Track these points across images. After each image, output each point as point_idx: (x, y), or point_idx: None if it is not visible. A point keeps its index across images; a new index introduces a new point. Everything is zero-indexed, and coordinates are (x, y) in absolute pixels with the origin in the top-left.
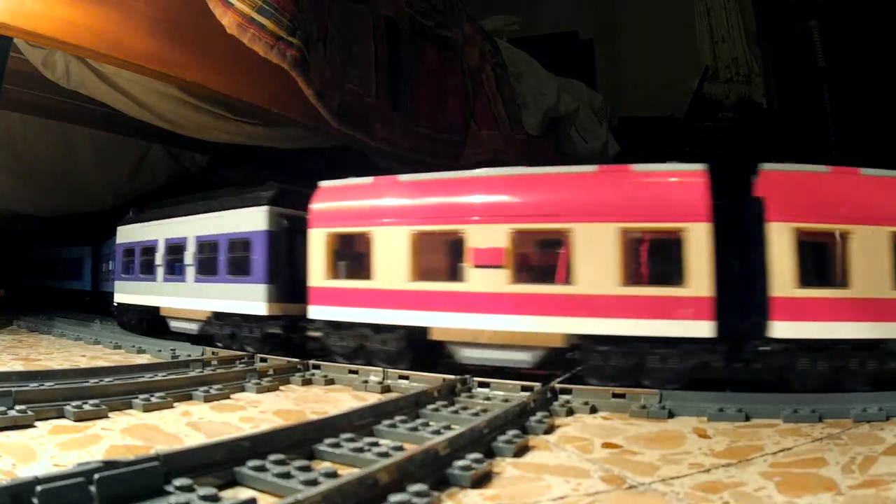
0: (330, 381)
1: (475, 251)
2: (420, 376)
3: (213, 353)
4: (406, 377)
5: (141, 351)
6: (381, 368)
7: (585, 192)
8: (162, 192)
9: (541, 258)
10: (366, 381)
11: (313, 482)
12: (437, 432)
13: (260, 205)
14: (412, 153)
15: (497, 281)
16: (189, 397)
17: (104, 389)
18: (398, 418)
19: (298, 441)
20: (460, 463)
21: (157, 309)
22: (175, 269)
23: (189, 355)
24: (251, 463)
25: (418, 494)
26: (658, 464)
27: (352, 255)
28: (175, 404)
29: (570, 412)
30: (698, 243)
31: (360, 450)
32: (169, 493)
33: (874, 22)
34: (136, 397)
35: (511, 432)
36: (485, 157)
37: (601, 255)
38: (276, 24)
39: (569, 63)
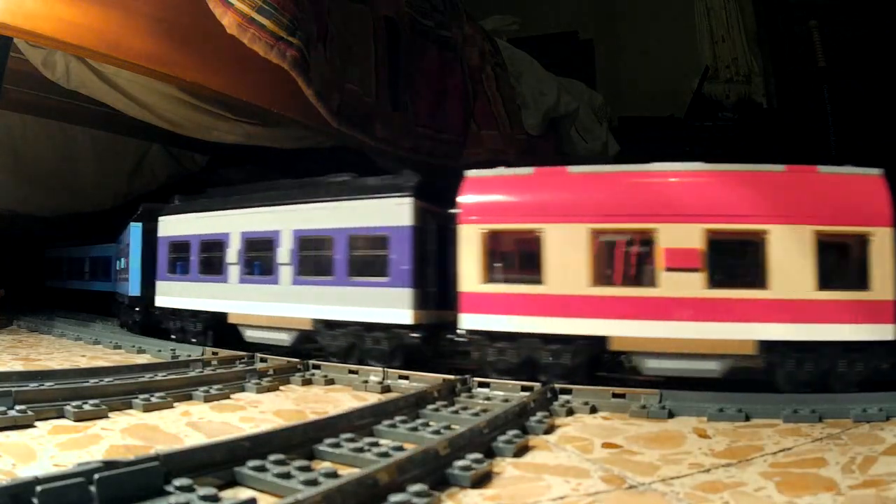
0: (330, 381)
1: (667, 252)
2: (420, 376)
3: (213, 353)
4: (406, 377)
5: (141, 351)
6: (380, 368)
7: (780, 193)
8: (163, 192)
9: (732, 260)
10: (366, 381)
11: (313, 482)
12: (437, 432)
13: (403, 195)
14: (412, 153)
15: (691, 285)
16: (189, 397)
17: (104, 389)
18: (398, 418)
19: (298, 441)
20: (460, 463)
21: (223, 315)
22: (256, 268)
23: (189, 355)
24: (251, 463)
25: (418, 494)
26: (658, 464)
27: (507, 255)
28: (175, 404)
29: (570, 412)
30: (882, 248)
31: (360, 450)
32: (169, 493)
33: (874, 22)
34: (136, 397)
35: (511, 432)
36: (485, 157)
37: (796, 258)
38: (276, 24)
39: (569, 63)
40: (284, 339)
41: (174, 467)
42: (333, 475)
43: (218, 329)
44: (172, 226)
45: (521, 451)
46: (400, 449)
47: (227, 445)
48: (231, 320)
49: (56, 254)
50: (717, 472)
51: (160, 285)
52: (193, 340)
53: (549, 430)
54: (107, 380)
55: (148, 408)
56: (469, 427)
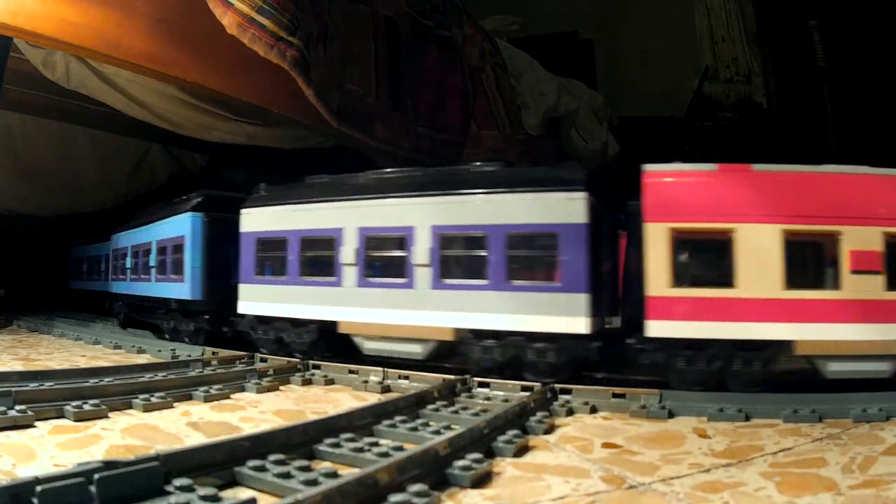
0: (330, 381)
1: (852, 254)
2: (420, 376)
3: (213, 353)
4: (406, 377)
5: (141, 351)
6: (381, 368)
7: None
8: (162, 192)
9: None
10: (366, 381)
11: (313, 482)
12: (437, 432)
13: (575, 190)
14: (412, 153)
15: (872, 287)
16: (189, 397)
17: (104, 389)
18: (398, 418)
19: (298, 441)
20: (460, 463)
21: (331, 324)
22: (379, 269)
23: (189, 355)
24: (251, 463)
25: (418, 494)
26: (658, 464)
27: (696, 256)
28: (175, 404)
29: (570, 412)
30: None
31: (360, 450)
32: (169, 493)
33: (874, 22)
34: (136, 397)
35: (511, 432)
36: (485, 157)
37: None
38: (276, 24)
39: (569, 63)
40: (416, 351)
41: (174, 467)
42: (333, 475)
43: (327, 340)
44: (261, 219)
45: (521, 451)
46: (400, 449)
47: (227, 445)
48: (343, 330)
49: (82, 252)
50: (717, 472)
51: (245, 289)
52: (298, 356)
53: (549, 430)
54: (107, 380)
55: (148, 408)
56: (469, 427)
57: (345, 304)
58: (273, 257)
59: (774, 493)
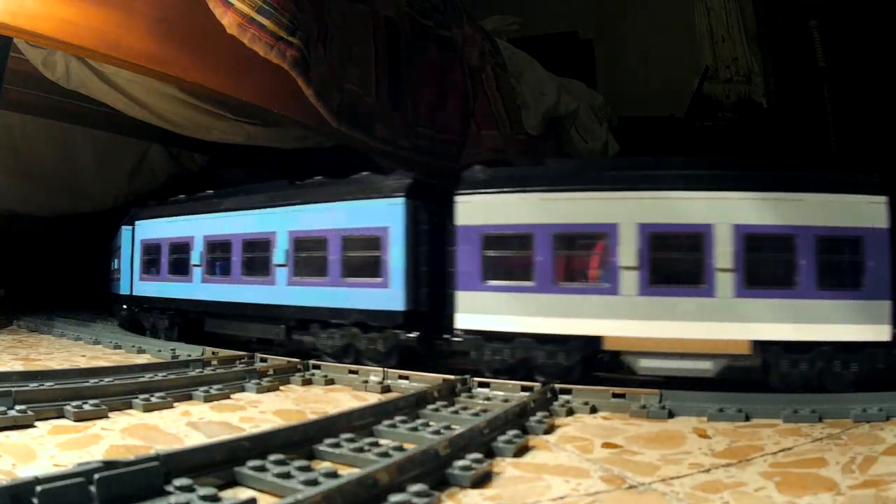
0: (330, 381)
1: None
2: (420, 376)
3: (213, 353)
4: (406, 377)
5: (141, 351)
6: (381, 368)
7: None
8: (162, 192)
9: None
10: (366, 381)
11: (313, 482)
12: (437, 432)
13: (874, 192)
14: (412, 153)
15: None
16: (189, 397)
17: (104, 389)
18: (398, 418)
19: (298, 441)
20: (460, 463)
21: (595, 340)
22: (667, 274)
23: (189, 355)
24: (251, 463)
25: (418, 494)
26: (658, 464)
27: None
28: (175, 404)
29: (570, 412)
30: None
31: (360, 450)
32: (169, 493)
33: (874, 22)
34: (136, 397)
35: (511, 432)
36: (485, 157)
37: None
38: (276, 24)
39: (569, 63)
40: (706, 368)
41: (174, 467)
42: (333, 475)
43: (589, 359)
44: (488, 209)
45: (521, 451)
46: (400, 449)
47: (227, 445)
48: (611, 346)
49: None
50: (717, 472)
51: (466, 298)
52: (553, 385)
53: (549, 430)
54: (107, 380)
55: (148, 408)
56: (469, 427)
57: (620, 315)
58: (509, 258)
59: (774, 493)
